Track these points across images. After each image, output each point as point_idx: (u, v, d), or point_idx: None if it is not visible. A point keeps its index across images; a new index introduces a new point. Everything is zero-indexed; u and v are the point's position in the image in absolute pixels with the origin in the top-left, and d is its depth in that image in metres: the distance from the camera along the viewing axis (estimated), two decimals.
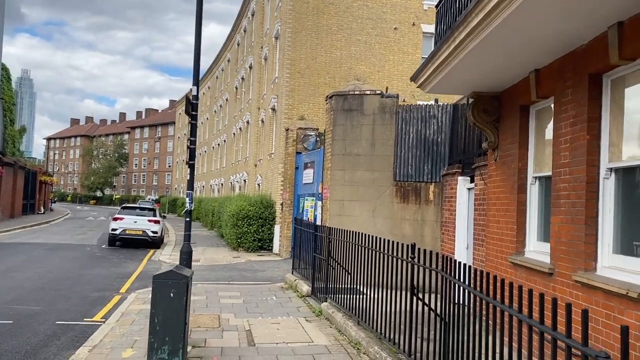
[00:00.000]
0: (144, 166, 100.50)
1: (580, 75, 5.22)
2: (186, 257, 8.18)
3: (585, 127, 5.09)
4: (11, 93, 39.02)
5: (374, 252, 7.13)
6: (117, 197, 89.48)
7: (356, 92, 12.74)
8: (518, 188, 6.68)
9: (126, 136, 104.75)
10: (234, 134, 35.43)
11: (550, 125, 6.07)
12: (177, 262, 9.85)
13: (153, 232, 20.32)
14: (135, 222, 20.26)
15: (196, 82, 8.60)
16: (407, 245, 6.16)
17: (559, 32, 4.94)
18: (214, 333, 7.53)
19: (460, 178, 9.89)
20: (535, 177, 6.52)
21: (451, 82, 7.02)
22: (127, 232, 20.02)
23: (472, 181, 9.27)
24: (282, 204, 18.94)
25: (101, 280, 12.48)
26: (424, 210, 11.97)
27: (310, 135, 17.54)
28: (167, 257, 17.28)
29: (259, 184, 26.27)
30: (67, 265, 14.81)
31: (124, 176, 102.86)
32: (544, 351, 3.30)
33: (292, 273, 12.40)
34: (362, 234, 7.77)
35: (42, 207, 43.59)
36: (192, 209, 8.77)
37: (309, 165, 16.52)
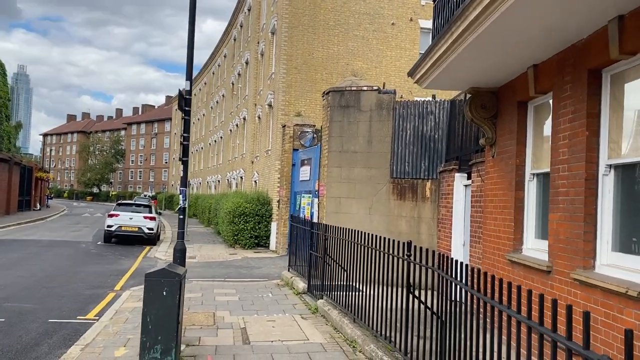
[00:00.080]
0: (141, 162, 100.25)
1: (579, 70, 5.15)
2: (180, 255, 8.08)
3: (584, 123, 5.02)
4: (6, 89, 38.81)
5: (370, 249, 7.06)
6: (113, 193, 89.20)
7: (353, 88, 12.65)
8: (516, 185, 6.61)
9: (123, 132, 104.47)
10: (231, 130, 35.29)
11: (549, 121, 6.00)
12: None
13: (149, 228, 20.22)
14: (130, 218, 20.15)
15: (189, 76, 8.47)
16: (404, 243, 6.10)
17: (558, 26, 4.85)
18: (209, 331, 7.45)
19: (457, 175, 9.81)
20: (533, 174, 6.45)
21: (448, 78, 6.93)
22: (122, 228, 19.92)
23: (469, 178, 9.20)
24: (278, 201, 18.86)
25: (95, 277, 12.38)
26: (420, 207, 11.90)
27: (307, 131, 17.45)
28: (163, 254, 17.18)
29: (255, 181, 26.18)
30: (62, 262, 14.70)
31: (120, 172, 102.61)
32: (544, 351, 3.23)
33: (289, 270, 12.33)
34: (358, 231, 7.71)
35: (38, 204, 43.41)
36: (187, 206, 8.68)
37: (306, 162, 16.43)
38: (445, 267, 5.01)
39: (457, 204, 9.69)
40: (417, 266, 5.72)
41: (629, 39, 4.36)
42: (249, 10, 30.70)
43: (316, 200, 14.40)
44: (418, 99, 14.67)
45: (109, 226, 19.98)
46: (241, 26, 33.49)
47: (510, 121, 6.83)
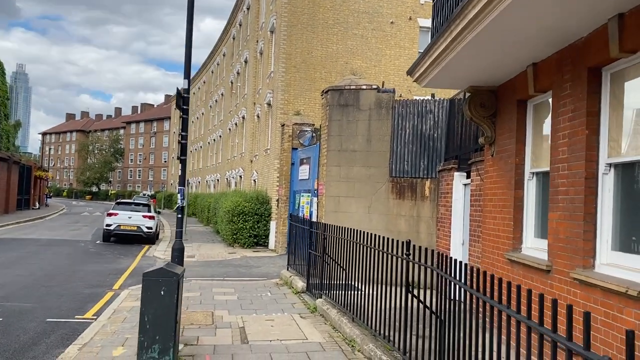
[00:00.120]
0: (140, 161, 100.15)
1: (579, 68, 5.12)
2: (178, 254, 8.06)
3: (584, 122, 5.00)
4: (5, 88, 38.79)
5: (369, 248, 7.04)
6: (112, 192, 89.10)
7: (352, 87, 12.62)
8: (515, 184, 6.59)
9: (122, 131, 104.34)
10: (230, 129, 35.25)
11: (548, 120, 5.98)
12: None
13: (148, 227, 20.20)
14: (129, 217, 20.13)
15: (187, 74, 8.44)
16: (403, 242, 6.08)
17: (557, 24, 4.83)
18: (207, 330, 7.43)
19: (456, 174, 9.80)
20: (533, 173, 6.43)
21: (447, 76, 6.91)
22: (121, 227, 19.90)
23: (468, 177, 9.19)
24: (277, 200, 18.84)
25: (94, 276, 12.36)
26: (419, 206, 11.88)
27: (306, 130, 17.42)
28: (162, 253, 17.15)
29: (254, 180, 26.15)
30: (60, 261, 14.67)
31: (119, 171, 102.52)
32: (543, 351, 3.21)
33: (288, 269, 12.31)
34: (357, 230, 7.69)
35: (37, 203, 43.34)
36: (185, 205, 8.66)
37: (305, 161, 16.41)
38: (444, 266, 4.98)
39: (456, 203, 9.67)
40: (416, 265, 5.70)
41: (629, 37, 4.34)
42: (247, 9, 30.65)
43: (315, 199, 14.38)
44: (417, 97, 14.65)
45: (107, 225, 19.96)
46: (240, 25, 33.44)
47: (509, 120, 6.81)
